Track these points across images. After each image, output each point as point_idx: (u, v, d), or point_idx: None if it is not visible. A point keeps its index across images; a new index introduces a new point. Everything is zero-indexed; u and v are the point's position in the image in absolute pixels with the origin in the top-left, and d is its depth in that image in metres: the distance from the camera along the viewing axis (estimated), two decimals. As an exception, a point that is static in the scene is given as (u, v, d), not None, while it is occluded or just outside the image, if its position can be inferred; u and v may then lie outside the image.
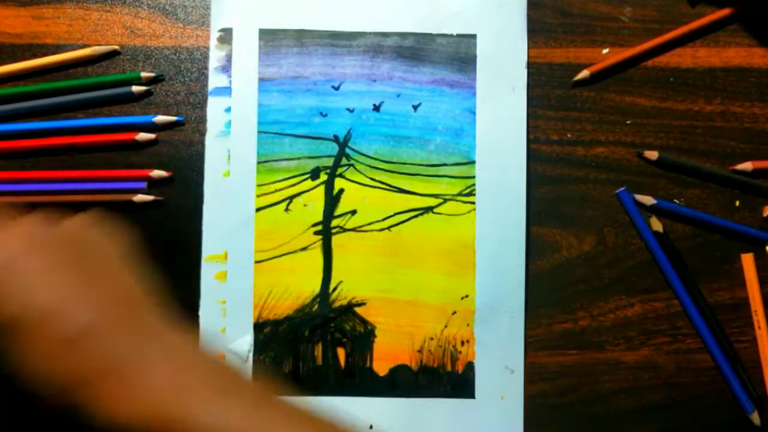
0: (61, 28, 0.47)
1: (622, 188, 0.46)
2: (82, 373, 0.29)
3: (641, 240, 0.46)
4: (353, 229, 0.46)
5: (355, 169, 0.47)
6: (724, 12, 0.47)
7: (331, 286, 0.46)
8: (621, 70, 0.48)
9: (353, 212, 0.46)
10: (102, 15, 0.48)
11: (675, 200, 0.47)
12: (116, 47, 0.47)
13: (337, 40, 0.47)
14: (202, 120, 0.47)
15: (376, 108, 0.47)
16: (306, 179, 0.47)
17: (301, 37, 0.47)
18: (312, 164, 0.47)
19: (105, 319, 0.30)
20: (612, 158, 0.47)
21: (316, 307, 0.46)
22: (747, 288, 0.46)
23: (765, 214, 0.46)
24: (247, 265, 0.46)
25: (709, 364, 0.46)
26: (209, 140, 0.46)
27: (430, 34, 0.47)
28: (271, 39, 0.47)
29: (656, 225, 0.46)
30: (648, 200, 0.46)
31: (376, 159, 0.47)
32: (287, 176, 0.46)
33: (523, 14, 0.47)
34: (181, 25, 0.48)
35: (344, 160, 0.47)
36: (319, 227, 0.46)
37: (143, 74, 0.47)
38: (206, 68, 0.47)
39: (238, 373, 0.33)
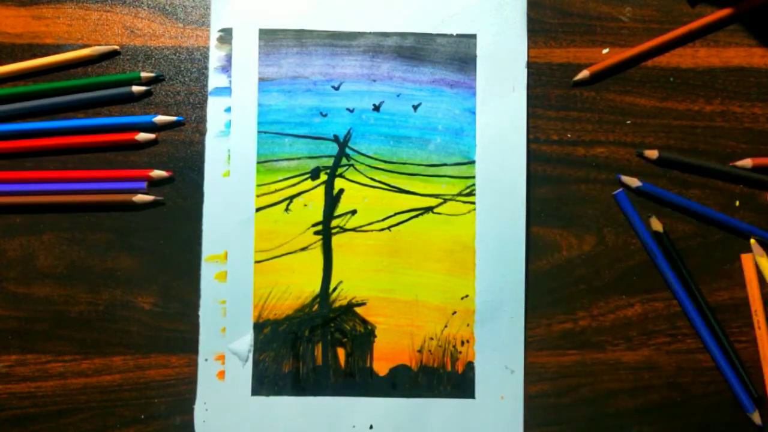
0: (61, 28, 0.47)
1: (620, 190, 0.46)
2: None
3: (641, 241, 0.46)
4: (353, 229, 0.46)
5: (355, 169, 0.47)
6: (724, 12, 0.47)
7: (331, 286, 0.46)
8: (621, 70, 0.48)
9: (353, 212, 0.46)
10: (102, 15, 0.48)
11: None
12: (116, 47, 0.47)
13: (337, 40, 0.47)
14: (202, 120, 0.47)
15: (376, 108, 0.47)
16: (306, 179, 0.47)
17: (301, 37, 0.47)
18: (312, 164, 0.47)
19: None
20: (612, 158, 0.47)
21: (316, 307, 0.46)
22: (747, 288, 0.46)
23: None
24: (247, 265, 0.46)
25: (709, 364, 0.46)
26: (209, 140, 0.46)
27: (430, 34, 0.47)
28: (271, 39, 0.47)
29: (656, 225, 0.46)
30: (633, 182, 0.46)
31: (375, 159, 0.47)
32: (287, 176, 0.46)
33: (523, 14, 0.47)
34: (181, 25, 0.48)
35: (344, 160, 0.47)
36: (319, 227, 0.46)
37: (143, 74, 0.47)
38: (206, 68, 0.47)
39: None
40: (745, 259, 0.46)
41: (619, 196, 0.46)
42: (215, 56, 0.47)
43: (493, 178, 0.46)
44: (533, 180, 0.47)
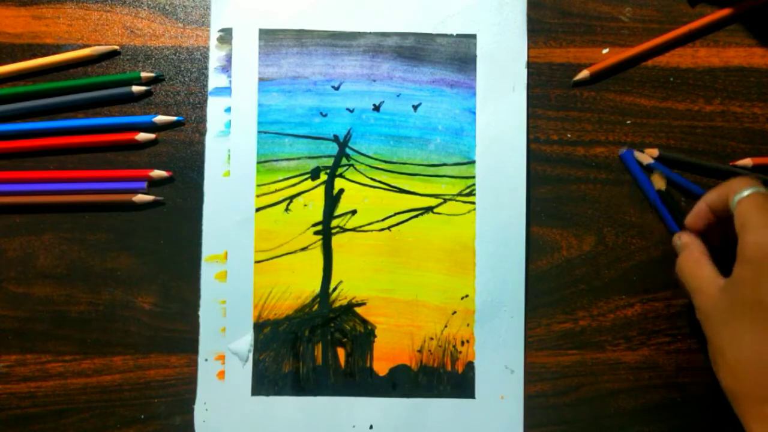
0: (61, 28, 0.47)
1: (626, 149, 0.46)
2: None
3: (648, 200, 0.46)
4: (353, 229, 0.46)
5: (355, 169, 0.47)
6: (724, 12, 0.47)
7: (331, 286, 0.46)
8: (621, 70, 0.48)
9: (353, 212, 0.46)
10: (102, 15, 0.48)
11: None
12: (116, 47, 0.47)
13: (337, 40, 0.47)
14: (202, 120, 0.47)
15: (376, 108, 0.47)
16: (306, 179, 0.47)
17: (301, 37, 0.47)
18: (312, 164, 0.47)
19: None
20: (612, 158, 0.47)
21: (316, 307, 0.46)
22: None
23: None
24: (247, 265, 0.46)
25: (710, 364, 0.46)
26: (209, 140, 0.46)
27: (430, 34, 0.47)
28: (271, 39, 0.47)
29: (658, 183, 0.46)
30: (646, 158, 0.46)
31: (376, 159, 0.47)
32: (287, 176, 0.46)
33: (523, 14, 0.47)
34: (181, 25, 0.48)
35: (344, 160, 0.47)
36: (319, 227, 0.46)
37: (143, 74, 0.47)
38: (206, 68, 0.47)
39: None
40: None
41: (626, 155, 0.46)
42: (215, 56, 0.47)
43: (493, 178, 0.46)
44: (533, 180, 0.47)
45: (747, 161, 0.46)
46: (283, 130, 0.47)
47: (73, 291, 0.46)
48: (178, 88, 0.47)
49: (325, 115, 0.47)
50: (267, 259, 0.46)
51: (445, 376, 0.46)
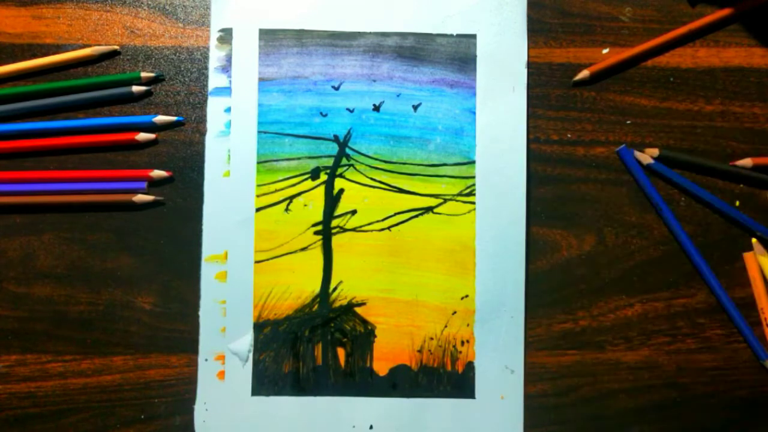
0: (61, 28, 0.47)
1: (623, 146, 0.46)
2: None
3: (645, 195, 0.46)
4: (353, 229, 0.46)
5: (355, 169, 0.47)
6: (724, 12, 0.47)
7: (331, 286, 0.46)
8: (621, 70, 0.48)
9: (353, 212, 0.46)
10: (102, 15, 0.48)
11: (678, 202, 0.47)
12: (116, 47, 0.47)
13: (337, 40, 0.47)
14: (202, 120, 0.47)
15: (376, 108, 0.47)
16: (306, 179, 0.47)
17: (301, 37, 0.47)
18: (312, 164, 0.47)
19: None
20: (612, 158, 0.47)
21: (316, 307, 0.46)
22: (752, 286, 0.46)
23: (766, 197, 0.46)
24: (247, 265, 0.46)
25: (709, 364, 0.46)
26: (209, 140, 0.46)
27: (430, 34, 0.47)
28: (271, 39, 0.47)
29: (646, 158, 0.46)
30: (646, 158, 0.46)
31: (376, 159, 0.47)
32: (287, 176, 0.46)
33: (523, 14, 0.47)
34: (181, 25, 0.48)
35: (344, 160, 0.47)
36: (319, 227, 0.46)
37: (143, 74, 0.47)
38: (206, 68, 0.47)
39: None
40: (748, 257, 0.46)
41: (623, 151, 0.46)
42: (215, 56, 0.47)
43: (493, 178, 0.46)
44: (533, 180, 0.47)
45: (747, 161, 0.46)
46: (283, 130, 0.47)
47: (73, 291, 0.46)
48: (178, 88, 0.47)
49: (325, 115, 0.47)
50: (267, 259, 0.46)
51: (445, 376, 0.46)
